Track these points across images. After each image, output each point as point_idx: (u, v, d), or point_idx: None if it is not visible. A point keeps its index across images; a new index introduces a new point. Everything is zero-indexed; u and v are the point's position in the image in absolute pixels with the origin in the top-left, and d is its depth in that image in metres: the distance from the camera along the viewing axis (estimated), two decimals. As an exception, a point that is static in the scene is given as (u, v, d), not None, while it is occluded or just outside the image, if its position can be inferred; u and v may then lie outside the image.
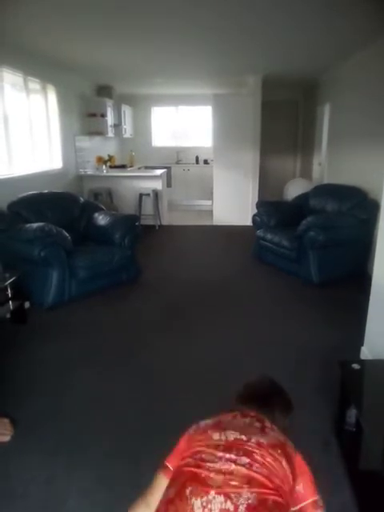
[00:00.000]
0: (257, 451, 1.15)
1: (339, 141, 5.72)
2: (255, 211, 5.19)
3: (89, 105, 6.83)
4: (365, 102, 4.69)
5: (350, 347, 2.80)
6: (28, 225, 3.66)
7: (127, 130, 8.44)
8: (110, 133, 7.29)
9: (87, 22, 3.74)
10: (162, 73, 6.42)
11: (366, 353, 2.65)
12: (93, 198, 6.26)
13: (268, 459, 1.14)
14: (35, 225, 3.61)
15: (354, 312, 3.13)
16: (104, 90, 7.44)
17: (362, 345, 2.72)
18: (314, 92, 7.29)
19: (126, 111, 8.32)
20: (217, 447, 1.17)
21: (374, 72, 4.46)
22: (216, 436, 1.22)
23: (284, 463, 1.17)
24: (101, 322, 3.40)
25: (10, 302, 3.23)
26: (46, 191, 4.49)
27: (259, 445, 1.17)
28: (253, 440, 1.19)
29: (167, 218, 7.24)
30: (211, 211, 7.31)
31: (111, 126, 7.29)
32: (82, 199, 4.68)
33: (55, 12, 3.41)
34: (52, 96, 5.64)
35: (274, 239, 4.59)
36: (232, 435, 1.21)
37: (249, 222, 5.94)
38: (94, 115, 6.83)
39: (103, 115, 6.91)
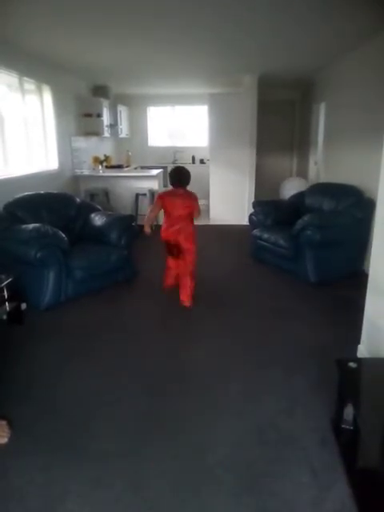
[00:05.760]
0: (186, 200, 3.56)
1: (335, 140, 5.73)
2: (252, 210, 5.19)
3: (85, 105, 6.80)
4: (360, 100, 4.70)
5: (347, 345, 2.81)
6: (24, 226, 3.65)
7: (123, 129, 8.41)
8: (106, 133, 7.26)
9: (84, 22, 3.73)
10: (158, 72, 6.40)
11: (363, 351, 2.66)
12: (89, 199, 6.24)
13: (188, 200, 3.62)
14: (31, 226, 3.60)
15: (351, 310, 3.14)
16: (100, 90, 7.42)
17: (359, 343, 2.73)
18: (310, 91, 7.31)
19: (122, 111, 8.29)
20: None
21: (369, 70, 4.48)
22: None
23: (193, 200, 3.65)
24: (98, 323, 3.40)
25: (7, 304, 3.21)
26: (42, 192, 4.46)
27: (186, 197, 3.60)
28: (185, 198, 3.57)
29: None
30: (208, 211, 7.31)
31: (107, 126, 7.26)
32: (78, 200, 4.66)
33: (51, 12, 3.39)
34: (47, 96, 5.62)
35: (271, 238, 4.59)
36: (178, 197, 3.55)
37: (245, 221, 5.94)
38: (89, 115, 6.81)
39: (99, 115, 6.89)
